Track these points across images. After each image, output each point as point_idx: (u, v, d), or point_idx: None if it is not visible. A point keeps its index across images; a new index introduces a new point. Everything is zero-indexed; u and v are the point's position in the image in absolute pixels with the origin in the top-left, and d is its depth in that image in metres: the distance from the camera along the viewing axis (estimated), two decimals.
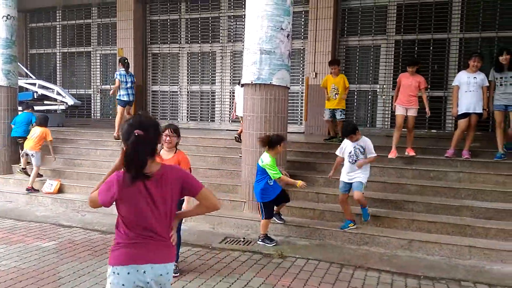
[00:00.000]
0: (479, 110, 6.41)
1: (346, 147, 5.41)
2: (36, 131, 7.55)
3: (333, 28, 9.34)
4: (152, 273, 2.23)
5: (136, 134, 2.11)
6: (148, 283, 2.23)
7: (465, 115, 6.43)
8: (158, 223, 2.22)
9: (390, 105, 9.46)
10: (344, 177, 5.42)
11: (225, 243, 5.42)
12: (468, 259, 4.86)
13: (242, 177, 6.43)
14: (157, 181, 2.19)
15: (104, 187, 2.20)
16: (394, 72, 9.36)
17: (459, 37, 8.92)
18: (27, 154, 7.61)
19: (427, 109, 6.57)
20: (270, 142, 5.15)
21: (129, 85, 8.86)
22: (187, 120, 11.34)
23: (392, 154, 6.54)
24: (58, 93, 10.68)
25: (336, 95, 7.59)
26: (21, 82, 10.51)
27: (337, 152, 5.52)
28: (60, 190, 7.38)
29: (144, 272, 2.21)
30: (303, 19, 9.91)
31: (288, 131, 6.52)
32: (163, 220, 2.24)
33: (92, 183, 7.40)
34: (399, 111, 6.61)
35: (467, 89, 6.39)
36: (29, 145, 7.45)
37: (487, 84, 6.41)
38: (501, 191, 5.77)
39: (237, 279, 4.27)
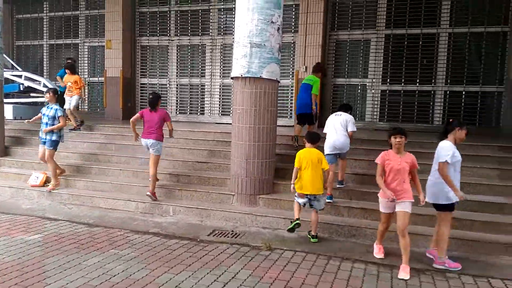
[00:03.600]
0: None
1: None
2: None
3: (323, 22, 9.34)
4: (148, 141, 6.30)
5: (151, 96, 6.50)
6: (148, 145, 6.33)
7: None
8: (154, 125, 6.28)
9: (379, 98, 9.54)
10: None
11: (213, 235, 5.41)
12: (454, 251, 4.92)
13: (231, 170, 6.41)
14: (156, 112, 6.35)
15: (137, 114, 6.53)
16: (384, 66, 9.41)
17: (448, 32, 8.97)
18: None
19: (421, 197, 4.40)
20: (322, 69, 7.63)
21: (44, 120, 7.01)
22: (176, 113, 11.26)
23: (380, 253, 4.76)
24: (45, 85, 10.49)
25: None
26: (7, 74, 10.35)
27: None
28: (46, 183, 7.28)
29: (145, 141, 6.36)
30: (293, 13, 9.88)
31: (277, 124, 6.49)
32: (157, 123, 6.29)
33: (77, 175, 7.36)
34: (384, 208, 4.60)
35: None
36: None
37: None
38: (487, 184, 5.87)
39: (225, 271, 4.27)
